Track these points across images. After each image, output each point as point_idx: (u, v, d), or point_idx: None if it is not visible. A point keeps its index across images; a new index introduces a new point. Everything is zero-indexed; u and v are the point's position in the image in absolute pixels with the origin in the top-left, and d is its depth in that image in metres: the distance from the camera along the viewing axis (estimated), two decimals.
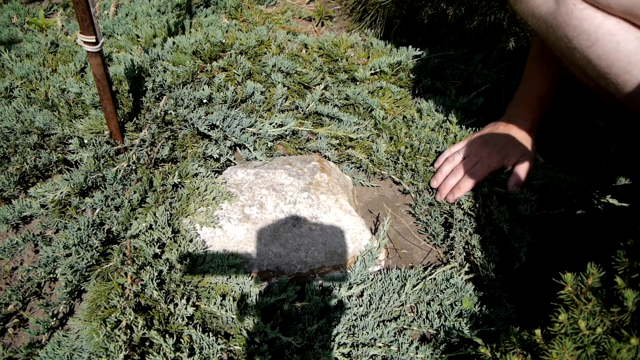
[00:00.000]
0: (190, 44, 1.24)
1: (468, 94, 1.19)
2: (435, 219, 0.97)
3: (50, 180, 1.02)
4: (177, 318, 0.74)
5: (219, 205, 0.88)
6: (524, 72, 0.99)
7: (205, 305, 0.76)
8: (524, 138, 0.97)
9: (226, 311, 0.75)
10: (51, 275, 0.85)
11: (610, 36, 0.65)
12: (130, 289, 0.77)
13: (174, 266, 0.79)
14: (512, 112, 1.00)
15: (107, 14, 1.53)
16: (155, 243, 0.82)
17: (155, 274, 0.78)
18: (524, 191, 0.91)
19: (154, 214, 0.86)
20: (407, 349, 0.74)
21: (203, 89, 1.10)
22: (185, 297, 0.76)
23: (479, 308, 0.80)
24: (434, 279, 0.85)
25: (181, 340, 0.73)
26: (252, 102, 1.14)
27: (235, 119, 1.06)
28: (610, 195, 0.85)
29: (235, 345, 0.74)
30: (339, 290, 0.81)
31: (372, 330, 0.76)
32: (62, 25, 1.51)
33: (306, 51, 1.32)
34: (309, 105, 1.15)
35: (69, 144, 1.00)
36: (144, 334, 0.72)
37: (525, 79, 0.99)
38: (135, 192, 0.90)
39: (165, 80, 1.14)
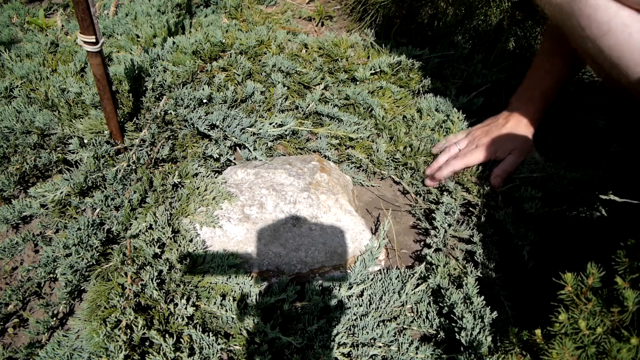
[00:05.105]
0: (190, 44, 1.24)
1: (468, 94, 1.19)
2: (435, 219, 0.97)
3: (50, 180, 1.02)
4: (177, 318, 0.74)
5: (219, 205, 0.88)
6: (531, 66, 0.99)
7: (205, 305, 0.76)
8: (520, 131, 0.98)
9: (226, 311, 0.75)
10: (51, 275, 0.85)
11: (623, 27, 0.65)
12: (130, 289, 0.77)
13: (174, 266, 0.79)
14: (513, 105, 1.01)
15: (107, 14, 1.53)
16: (155, 243, 0.82)
17: (155, 274, 0.78)
18: (528, 189, 0.91)
19: (154, 214, 0.86)
20: (407, 349, 0.74)
21: (203, 89, 1.10)
22: (185, 297, 0.76)
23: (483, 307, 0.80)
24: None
25: (181, 340, 0.73)
26: (252, 102, 1.14)
27: (235, 118, 1.06)
28: (611, 192, 0.84)
29: (235, 345, 0.74)
30: (339, 290, 0.81)
31: (372, 330, 0.76)
32: (62, 25, 1.51)
33: (306, 51, 1.32)
34: (309, 105, 1.15)
35: (69, 144, 1.00)
36: (144, 333, 0.72)
37: (530, 73, 0.99)
38: (135, 192, 0.90)
39: (165, 80, 1.14)
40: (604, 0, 0.65)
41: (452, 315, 0.76)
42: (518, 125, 0.99)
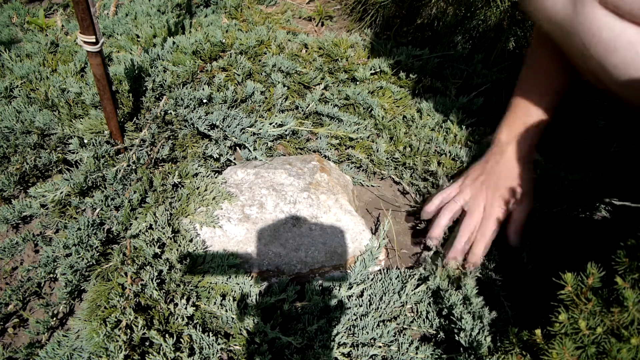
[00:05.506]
0: (190, 44, 1.24)
1: (468, 94, 1.19)
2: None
3: (50, 180, 1.02)
4: (177, 318, 0.74)
5: (219, 205, 0.88)
6: (516, 89, 0.89)
7: (205, 305, 0.76)
8: (520, 173, 0.88)
9: (226, 311, 0.75)
10: (51, 275, 0.85)
11: (630, 45, 0.62)
12: (130, 289, 0.77)
13: (174, 266, 0.79)
14: (504, 141, 0.90)
15: (107, 13, 1.53)
16: (155, 243, 0.82)
17: (155, 273, 0.78)
18: None
19: (154, 214, 0.86)
20: (407, 349, 0.74)
21: (203, 89, 1.10)
22: (185, 297, 0.76)
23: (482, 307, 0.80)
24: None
25: (181, 340, 0.73)
26: (252, 102, 1.14)
27: (235, 118, 1.06)
28: (611, 194, 0.85)
29: (235, 345, 0.74)
30: (339, 290, 0.81)
31: (372, 330, 0.76)
32: (62, 25, 1.51)
33: (306, 51, 1.32)
34: (309, 105, 1.15)
35: (69, 144, 1.00)
36: (144, 333, 0.72)
37: (516, 98, 0.89)
38: (135, 192, 0.90)
39: (165, 80, 1.14)
40: (608, 18, 0.62)
41: (451, 317, 0.76)
42: (515, 165, 0.88)
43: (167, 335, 0.71)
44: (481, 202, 0.87)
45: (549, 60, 0.85)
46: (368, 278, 0.84)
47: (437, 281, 0.82)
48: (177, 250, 0.80)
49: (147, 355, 0.71)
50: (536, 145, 0.89)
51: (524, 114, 0.88)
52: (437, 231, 0.90)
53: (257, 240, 0.85)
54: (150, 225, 0.85)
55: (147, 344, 0.73)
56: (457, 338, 0.72)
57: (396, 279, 0.84)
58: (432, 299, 0.82)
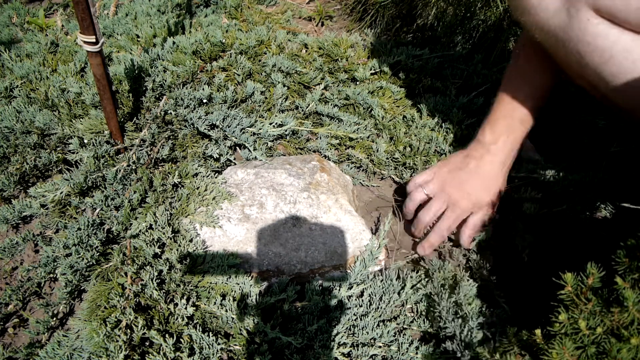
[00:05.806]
0: (190, 44, 1.24)
1: (468, 94, 1.19)
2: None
3: (50, 180, 1.02)
4: (177, 318, 0.74)
5: (219, 205, 0.88)
6: (500, 89, 0.88)
7: (205, 305, 0.76)
8: (492, 182, 0.88)
9: (226, 311, 0.75)
10: (51, 275, 0.85)
11: (626, 53, 0.61)
12: (130, 289, 0.77)
13: (174, 266, 0.79)
14: (486, 141, 0.88)
15: (107, 13, 1.53)
16: (155, 243, 0.82)
17: (155, 273, 0.78)
18: (528, 189, 0.91)
19: (154, 214, 0.86)
20: (407, 349, 0.74)
21: (203, 89, 1.10)
22: (185, 297, 0.76)
23: (479, 309, 0.80)
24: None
25: (181, 340, 0.73)
26: (252, 102, 1.14)
27: (235, 118, 1.06)
28: (611, 194, 0.84)
29: (235, 345, 0.74)
30: (339, 290, 0.81)
31: (372, 330, 0.76)
32: (62, 25, 1.51)
33: (306, 51, 1.32)
34: (309, 105, 1.15)
35: (69, 143, 1.00)
36: (144, 333, 0.72)
37: (502, 99, 0.87)
38: (135, 192, 0.90)
39: (165, 80, 1.14)
40: (603, 26, 0.61)
41: (440, 321, 0.76)
42: (491, 167, 0.87)
43: (167, 335, 0.71)
44: (446, 198, 0.90)
45: (539, 64, 0.84)
46: (368, 278, 0.84)
47: (429, 288, 0.82)
48: (177, 250, 0.80)
49: (147, 355, 0.71)
50: (519, 143, 0.88)
51: (508, 115, 0.87)
52: (410, 205, 0.95)
53: (257, 240, 0.85)
54: (150, 225, 0.85)
55: (147, 344, 0.73)
56: (444, 345, 0.73)
57: (396, 279, 0.84)
58: (427, 304, 0.81)
